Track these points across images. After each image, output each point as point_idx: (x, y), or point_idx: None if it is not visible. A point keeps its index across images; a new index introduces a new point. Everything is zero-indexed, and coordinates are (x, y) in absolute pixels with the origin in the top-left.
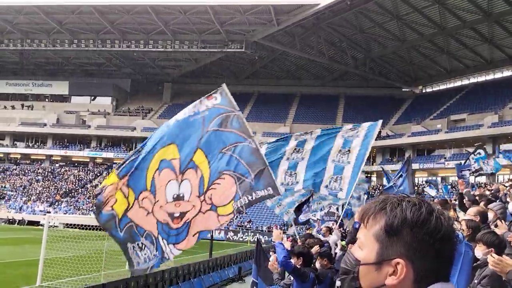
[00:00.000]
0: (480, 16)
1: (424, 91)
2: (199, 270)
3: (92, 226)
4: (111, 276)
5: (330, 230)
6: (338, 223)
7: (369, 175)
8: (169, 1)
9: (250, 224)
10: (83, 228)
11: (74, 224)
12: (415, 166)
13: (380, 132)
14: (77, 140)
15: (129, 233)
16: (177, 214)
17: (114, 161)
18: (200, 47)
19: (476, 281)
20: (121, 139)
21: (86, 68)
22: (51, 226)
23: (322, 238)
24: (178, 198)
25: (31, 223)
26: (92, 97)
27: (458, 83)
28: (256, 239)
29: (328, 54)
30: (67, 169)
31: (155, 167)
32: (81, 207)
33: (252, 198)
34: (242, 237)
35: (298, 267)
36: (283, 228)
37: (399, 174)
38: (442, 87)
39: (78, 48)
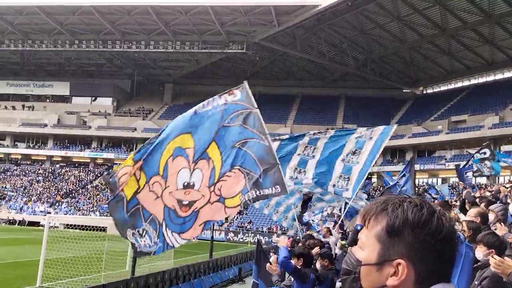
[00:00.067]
0: (481, 17)
1: (424, 92)
2: (199, 271)
3: (93, 226)
4: (112, 277)
5: (330, 231)
6: (338, 223)
7: (369, 176)
8: (170, 1)
9: (251, 225)
10: (83, 229)
11: (75, 225)
12: (415, 167)
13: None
14: (77, 141)
15: (133, 216)
16: (185, 202)
17: (115, 162)
18: (201, 48)
19: (476, 282)
20: (121, 139)
21: (87, 69)
22: (52, 226)
23: (323, 239)
24: (188, 186)
25: (31, 223)
26: (93, 98)
27: (459, 84)
28: (256, 240)
29: (328, 55)
30: (67, 169)
31: (169, 153)
32: (81, 208)
33: (259, 193)
34: (242, 238)
35: (299, 267)
36: (283, 229)
37: (402, 173)
38: (443, 88)
39: (79, 48)
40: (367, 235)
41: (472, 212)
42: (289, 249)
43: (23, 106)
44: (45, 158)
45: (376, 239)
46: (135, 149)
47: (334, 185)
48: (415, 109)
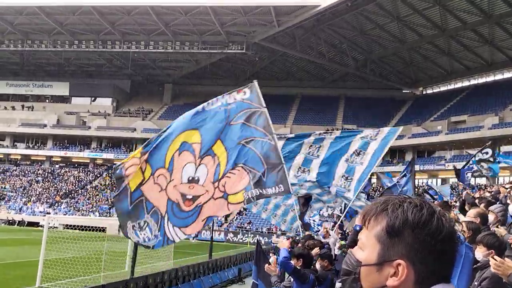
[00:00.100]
0: (481, 17)
1: (424, 92)
2: (198, 272)
3: (92, 227)
4: (111, 277)
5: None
6: (338, 224)
7: (369, 176)
8: (170, 2)
9: (250, 225)
10: (83, 229)
11: (74, 225)
12: (415, 167)
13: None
14: (77, 141)
15: (136, 208)
16: (189, 196)
17: (114, 162)
18: (201, 48)
19: (476, 283)
20: (121, 140)
21: (86, 69)
22: (51, 227)
23: (322, 240)
24: (193, 181)
25: (31, 224)
26: (93, 98)
27: (458, 85)
28: (256, 241)
29: (328, 55)
30: (67, 170)
31: (175, 147)
32: (81, 208)
33: (262, 192)
34: (242, 239)
35: (298, 268)
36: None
37: (403, 173)
38: (443, 88)
39: (78, 49)
40: (367, 236)
41: (472, 212)
42: (289, 250)
43: (23, 106)
44: (44, 159)
45: (376, 239)
46: (135, 149)
47: (336, 185)
48: (415, 110)
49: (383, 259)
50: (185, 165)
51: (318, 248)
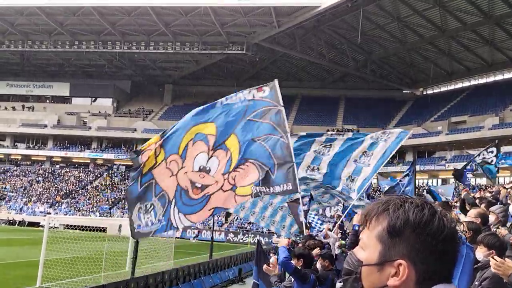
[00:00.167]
0: (481, 18)
1: (425, 93)
2: (199, 272)
3: (93, 227)
4: (112, 277)
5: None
6: (338, 224)
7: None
8: (170, 2)
9: (251, 225)
10: (83, 229)
11: (75, 225)
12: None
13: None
14: (77, 141)
15: (145, 191)
16: (198, 185)
17: (115, 162)
18: (201, 48)
19: (477, 283)
20: (121, 140)
21: (86, 70)
22: (52, 227)
23: (323, 240)
24: (204, 170)
25: (31, 224)
26: (93, 99)
27: (459, 85)
28: (256, 241)
29: (328, 56)
30: (67, 170)
31: (190, 136)
32: (81, 208)
33: (269, 190)
34: (242, 239)
35: (299, 268)
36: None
37: (406, 173)
38: (443, 89)
39: (79, 49)
40: (368, 236)
41: (472, 213)
42: (288, 247)
43: (23, 107)
44: (45, 159)
45: (377, 239)
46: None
47: (343, 185)
48: (415, 110)
49: (384, 259)
50: (198, 154)
51: (318, 248)
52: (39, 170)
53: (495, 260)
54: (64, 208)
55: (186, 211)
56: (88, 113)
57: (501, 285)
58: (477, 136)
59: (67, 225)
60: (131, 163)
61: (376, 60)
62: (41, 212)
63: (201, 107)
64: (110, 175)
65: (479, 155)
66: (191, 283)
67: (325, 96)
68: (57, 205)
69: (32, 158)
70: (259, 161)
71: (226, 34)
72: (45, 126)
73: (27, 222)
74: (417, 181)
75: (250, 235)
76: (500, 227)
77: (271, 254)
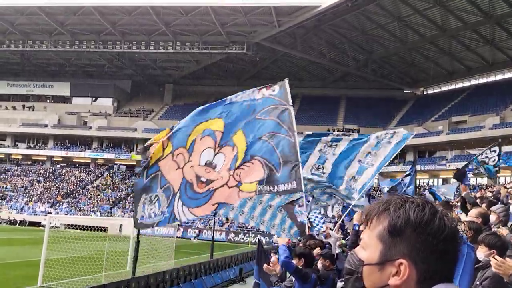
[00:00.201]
0: (482, 18)
1: (425, 92)
2: (200, 271)
3: (93, 227)
4: (112, 277)
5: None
6: (339, 223)
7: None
8: (170, 2)
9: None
10: (84, 229)
11: (75, 225)
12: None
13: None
14: (78, 141)
15: (151, 182)
16: (204, 179)
17: (115, 162)
18: (201, 48)
19: (478, 283)
20: (122, 140)
21: (87, 69)
22: (52, 227)
23: (324, 240)
24: (210, 165)
25: (32, 224)
26: (93, 98)
27: (459, 85)
28: (257, 240)
29: (329, 55)
30: (68, 170)
31: (199, 132)
32: (82, 208)
33: (273, 189)
34: (243, 238)
35: (300, 268)
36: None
37: (408, 173)
38: (444, 88)
39: (79, 49)
40: (369, 235)
41: (473, 212)
42: (288, 246)
43: (24, 107)
44: (45, 159)
45: (378, 239)
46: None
47: (347, 183)
48: (416, 110)
49: (385, 258)
50: (205, 149)
51: (319, 248)
52: (39, 169)
53: (496, 259)
54: (65, 207)
55: (190, 205)
56: (88, 112)
57: (502, 285)
58: (478, 136)
59: (68, 225)
60: (140, 158)
61: (377, 59)
62: (42, 211)
63: (211, 104)
64: (111, 174)
65: (481, 154)
66: (192, 283)
67: (326, 95)
68: (58, 204)
69: (33, 158)
70: (265, 159)
71: (226, 33)
72: (46, 126)
73: (28, 222)
74: (417, 181)
75: (251, 235)
76: (501, 226)
77: (272, 254)
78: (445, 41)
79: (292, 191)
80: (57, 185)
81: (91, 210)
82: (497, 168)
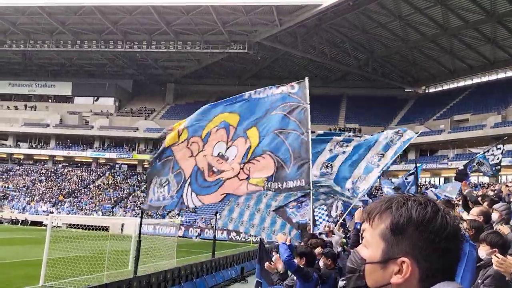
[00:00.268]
0: (483, 16)
1: (427, 91)
2: (201, 270)
3: (95, 226)
4: (114, 276)
5: (331, 230)
6: (339, 222)
7: None
8: (172, 1)
9: None
10: (86, 229)
11: (77, 225)
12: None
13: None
14: (80, 141)
15: (163, 166)
16: (215, 169)
17: (117, 162)
18: (203, 47)
19: (479, 281)
20: (123, 139)
21: (88, 69)
22: (54, 226)
23: (325, 238)
24: (222, 157)
25: (34, 223)
26: (95, 98)
27: (461, 83)
28: (258, 239)
29: (330, 54)
30: (70, 169)
31: (215, 124)
32: (84, 208)
33: (282, 186)
34: (244, 237)
35: (301, 267)
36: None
37: (412, 172)
38: (445, 87)
39: (81, 48)
40: (371, 234)
41: (475, 211)
42: (288, 245)
43: (25, 106)
44: (47, 158)
45: (381, 237)
46: (137, 149)
47: (353, 182)
48: (418, 109)
49: (388, 256)
50: (218, 142)
51: (320, 247)
52: (41, 169)
53: (498, 258)
54: (67, 207)
55: (199, 192)
56: (90, 112)
57: (504, 283)
58: (480, 135)
59: (70, 224)
60: (160, 142)
61: (378, 58)
62: (43, 211)
63: (228, 98)
64: (113, 174)
65: (488, 151)
66: (193, 282)
67: (327, 94)
68: (59, 204)
69: (35, 158)
70: (276, 155)
71: (227, 33)
72: (48, 125)
73: (30, 221)
74: (419, 179)
75: (252, 234)
76: (503, 224)
77: (273, 253)
78: (447, 39)
79: (299, 188)
80: (59, 184)
81: (93, 209)
82: (498, 167)
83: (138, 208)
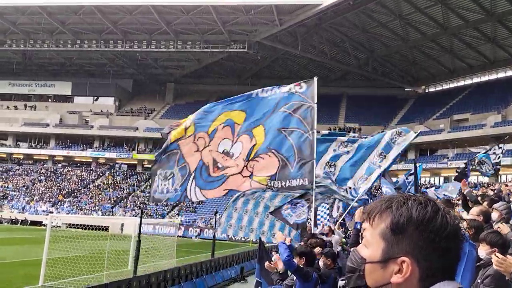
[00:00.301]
0: (483, 15)
1: (427, 91)
2: (201, 270)
3: (95, 226)
4: (114, 276)
5: (332, 230)
6: (339, 222)
7: None
8: (172, 1)
9: None
10: (85, 228)
11: (77, 224)
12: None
13: (382, 132)
14: (79, 140)
15: (168, 159)
16: (220, 165)
17: (117, 161)
18: (203, 47)
19: (479, 281)
20: (123, 139)
21: (88, 69)
22: (54, 226)
23: (325, 238)
24: (227, 154)
25: (33, 223)
26: (95, 98)
27: (461, 83)
28: (258, 239)
29: (330, 54)
30: (69, 169)
31: (221, 121)
32: (83, 207)
33: (285, 185)
34: (244, 237)
35: (301, 266)
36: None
37: (412, 172)
38: (445, 86)
39: (80, 48)
40: (371, 233)
41: (475, 210)
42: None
43: (25, 106)
44: (47, 158)
45: (381, 237)
46: (137, 148)
47: (354, 183)
48: (417, 108)
49: (388, 256)
50: (224, 139)
51: (319, 247)
52: (41, 169)
53: (498, 257)
54: (66, 207)
55: (202, 186)
56: (90, 112)
57: (503, 283)
58: (479, 134)
59: (70, 224)
60: (162, 137)
61: (378, 58)
62: (43, 211)
63: (237, 96)
64: (112, 174)
65: (490, 149)
66: (193, 282)
67: (327, 94)
68: (59, 204)
69: (34, 157)
70: (280, 153)
71: (227, 32)
72: (47, 125)
73: (29, 221)
74: (419, 179)
75: None
76: (503, 223)
77: (273, 253)
78: (447, 39)
79: (302, 187)
80: (58, 184)
81: (93, 209)
82: (498, 166)
83: (138, 208)
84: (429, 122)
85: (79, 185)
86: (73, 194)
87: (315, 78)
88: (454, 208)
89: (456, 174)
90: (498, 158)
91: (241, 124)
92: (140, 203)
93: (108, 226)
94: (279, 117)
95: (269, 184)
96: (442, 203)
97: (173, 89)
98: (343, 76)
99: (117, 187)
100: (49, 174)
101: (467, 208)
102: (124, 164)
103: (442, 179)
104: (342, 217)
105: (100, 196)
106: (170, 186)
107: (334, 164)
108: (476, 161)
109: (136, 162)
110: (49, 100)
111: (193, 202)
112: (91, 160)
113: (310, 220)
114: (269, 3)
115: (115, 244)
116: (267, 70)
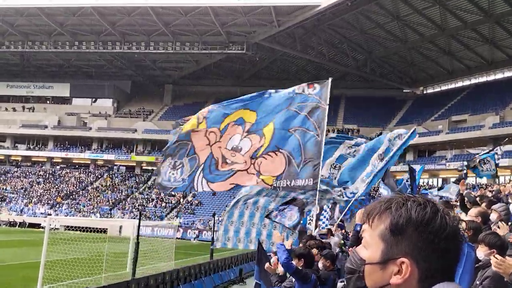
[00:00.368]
0: (481, 17)
1: (425, 92)
2: (200, 272)
3: (93, 228)
4: (112, 278)
5: (331, 232)
6: (337, 224)
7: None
8: (170, 2)
9: None
10: (84, 231)
11: (75, 227)
12: (416, 167)
13: (380, 133)
14: (78, 142)
15: (179, 148)
16: (228, 161)
17: (115, 163)
18: (201, 48)
19: (478, 282)
20: (122, 141)
21: (87, 70)
22: (52, 228)
23: (324, 240)
24: (236, 150)
25: (32, 225)
26: (93, 99)
27: (459, 84)
28: (257, 241)
29: (328, 55)
30: (68, 171)
31: (233, 118)
32: (82, 209)
33: (290, 184)
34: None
35: (300, 268)
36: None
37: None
38: (443, 88)
39: (79, 50)
40: (371, 234)
41: (473, 212)
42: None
43: (23, 108)
44: (45, 160)
45: (380, 238)
46: (136, 150)
47: (357, 188)
48: (416, 109)
49: (387, 257)
50: (234, 135)
51: (316, 249)
52: (39, 171)
53: (496, 258)
54: (65, 209)
55: (209, 179)
56: (88, 113)
57: (502, 284)
58: (478, 135)
59: (68, 226)
60: (174, 129)
61: (376, 59)
62: (41, 213)
63: (250, 94)
64: (111, 175)
65: (492, 149)
66: (192, 284)
67: None
68: (57, 206)
69: (33, 159)
70: (289, 153)
71: (226, 33)
72: (46, 127)
73: (27, 224)
74: (417, 181)
75: None
76: (502, 223)
77: (271, 254)
78: (445, 40)
79: (308, 187)
80: (56, 186)
81: (91, 211)
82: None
83: (136, 210)
84: (427, 123)
85: (77, 187)
86: (71, 196)
87: (330, 79)
88: (453, 209)
89: (456, 179)
90: (498, 159)
91: (251, 123)
92: (138, 205)
93: (107, 228)
94: (289, 116)
95: (275, 184)
96: (441, 204)
97: (171, 90)
98: (341, 77)
99: (115, 189)
100: (47, 176)
101: (465, 209)
102: (123, 166)
103: (440, 180)
104: (340, 218)
105: (98, 198)
106: (178, 176)
107: (339, 166)
108: (478, 160)
109: (135, 164)
110: (47, 101)
111: (191, 204)
112: (89, 162)
113: (311, 220)
114: (267, 5)
115: (114, 246)
116: (265, 72)
